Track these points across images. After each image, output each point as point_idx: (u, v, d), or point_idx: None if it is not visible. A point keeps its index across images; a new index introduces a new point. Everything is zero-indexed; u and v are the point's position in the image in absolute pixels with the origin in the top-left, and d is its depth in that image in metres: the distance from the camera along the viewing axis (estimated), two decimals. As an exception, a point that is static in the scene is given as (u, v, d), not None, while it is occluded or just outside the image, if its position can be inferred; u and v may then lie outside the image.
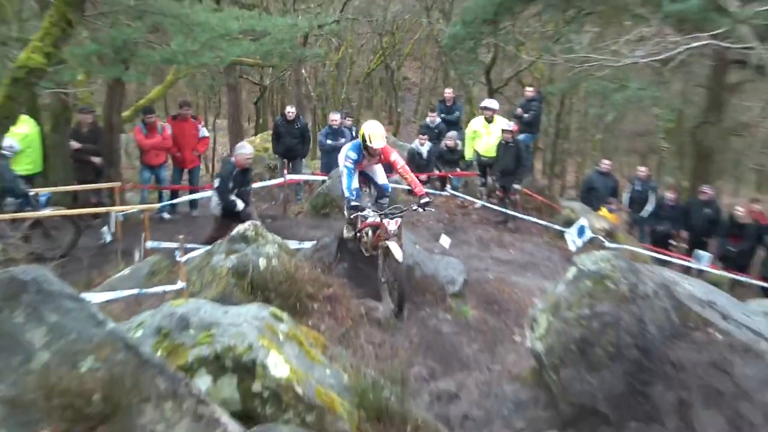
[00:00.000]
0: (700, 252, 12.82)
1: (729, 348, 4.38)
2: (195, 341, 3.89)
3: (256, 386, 3.68)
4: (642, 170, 15.92)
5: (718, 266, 13.29)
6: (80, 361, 2.95)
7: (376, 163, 8.44)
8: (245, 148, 10.35)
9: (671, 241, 14.18)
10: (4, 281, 3.26)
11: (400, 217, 7.57)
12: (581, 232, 10.38)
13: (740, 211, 13.94)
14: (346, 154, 8.03)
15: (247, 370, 3.71)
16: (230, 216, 9.59)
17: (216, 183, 9.95)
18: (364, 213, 7.92)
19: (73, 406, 2.68)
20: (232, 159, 10.13)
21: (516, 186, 13.20)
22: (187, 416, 2.70)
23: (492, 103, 14.77)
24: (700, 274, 11.90)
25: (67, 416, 2.66)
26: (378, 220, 7.61)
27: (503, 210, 13.01)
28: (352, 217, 8.28)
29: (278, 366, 3.77)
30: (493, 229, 12.76)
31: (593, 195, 14.94)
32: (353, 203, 7.79)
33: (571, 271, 4.85)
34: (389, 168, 8.57)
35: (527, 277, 9.84)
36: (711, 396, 4.23)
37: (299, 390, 3.70)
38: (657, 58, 12.38)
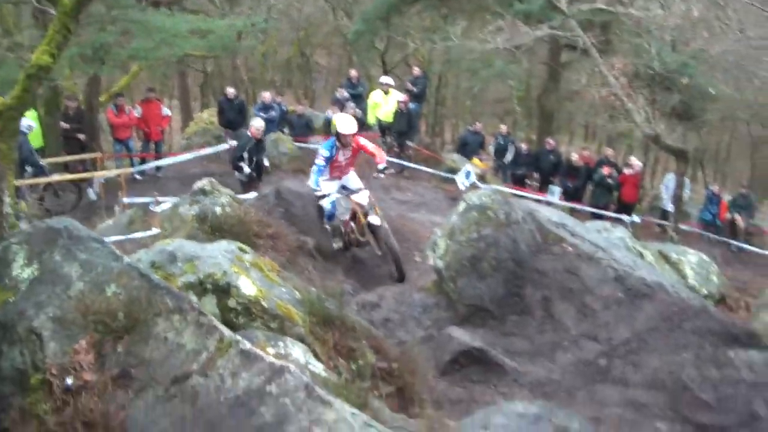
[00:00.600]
0: (554, 187, 17.16)
1: (577, 257, 6.09)
2: (182, 271, 4.59)
3: (232, 303, 4.46)
4: (503, 128, 20.66)
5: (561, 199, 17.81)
6: (106, 287, 3.58)
7: (350, 156, 8.67)
8: (256, 122, 12.42)
9: (527, 181, 18.50)
10: (43, 230, 3.99)
11: (365, 189, 8.51)
12: (468, 175, 12.40)
13: (575, 156, 19.10)
14: (319, 153, 8.44)
15: (223, 291, 4.49)
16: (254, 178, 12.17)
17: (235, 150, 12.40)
18: (329, 198, 8.31)
19: (103, 322, 3.25)
20: (248, 132, 12.21)
21: (409, 143, 17.36)
22: (192, 325, 3.16)
23: (388, 80, 19.17)
24: (548, 205, 15.10)
25: (99, 329, 3.23)
26: (350, 204, 8.29)
27: (400, 162, 16.27)
28: (330, 224, 8.58)
29: (247, 287, 4.58)
30: (394, 177, 15.28)
31: (467, 149, 18.94)
32: (318, 192, 8.25)
33: (461, 205, 6.27)
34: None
35: (421, 213, 12.28)
36: (565, 293, 5.88)
37: (264, 304, 4.51)
38: (512, 44, 16.03)
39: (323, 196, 8.35)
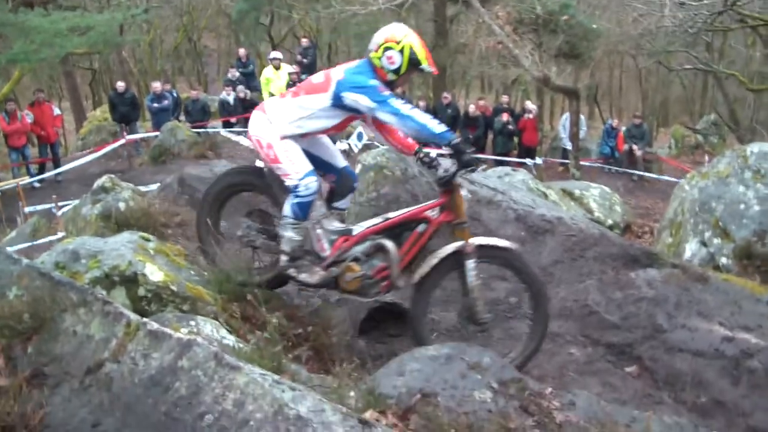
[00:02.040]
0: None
1: (477, 203, 6.33)
2: (87, 268, 4.60)
3: (141, 291, 4.50)
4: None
5: None
6: (7, 291, 3.54)
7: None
8: None
9: None
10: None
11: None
12: (360, 137, 12.48)
13: (472, 108, 19.77)
14: (369, 85, 4.58)
15: (131, 281, 4.52)
16: None
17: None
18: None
19: (8, 326, 3.19)
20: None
21: None
22: (98, 315, 3.11)
23: (278, 54, 19.40)
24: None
25: (5, 334, 3.17)
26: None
27: None
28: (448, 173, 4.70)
29: (154, 273, 4.62)
30: None
31: None
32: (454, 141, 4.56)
33: (358, 167, 6.38)
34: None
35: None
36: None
37: (174, 288, 4.54)
38: (395, 2, 16.20)
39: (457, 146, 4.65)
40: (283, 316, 4.26)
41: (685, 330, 5.25)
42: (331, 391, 3.15)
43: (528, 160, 18.75)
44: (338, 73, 4.73)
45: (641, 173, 18.66)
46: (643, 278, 5.78)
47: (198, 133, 16.92)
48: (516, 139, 19.74)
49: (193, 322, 3.94)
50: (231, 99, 18.84)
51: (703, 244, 8.43)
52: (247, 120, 18.83)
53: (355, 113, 4.79)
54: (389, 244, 4.69)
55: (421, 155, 4.95)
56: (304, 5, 26.74)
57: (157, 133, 16.71)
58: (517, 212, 6.35)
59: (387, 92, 4.58)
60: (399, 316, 5.05)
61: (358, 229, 4.85)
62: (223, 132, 17.30)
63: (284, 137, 4.80)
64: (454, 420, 3.11)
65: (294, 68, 18.32)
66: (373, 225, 4.82)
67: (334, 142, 5.49)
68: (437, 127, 4.51)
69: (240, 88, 18.88)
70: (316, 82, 4.83)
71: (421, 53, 4.69)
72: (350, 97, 4.58)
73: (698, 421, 4.11)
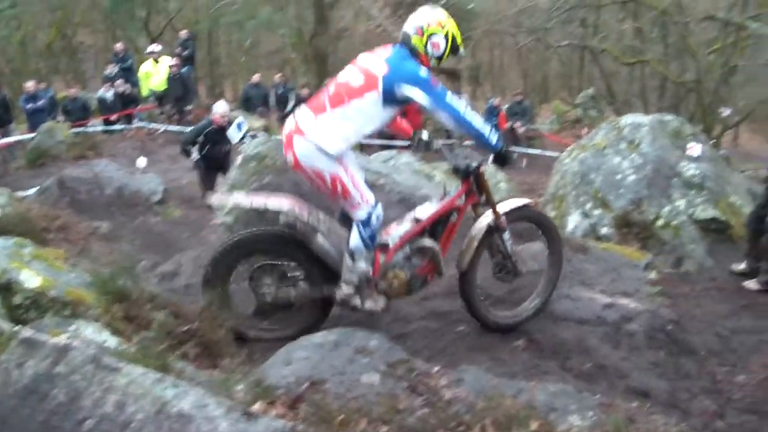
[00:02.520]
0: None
1: (362, 187, 6.34)
2: None
3: (17, 299, 4.32)
4: (277, 77, 21.27)
5: None
6: None
7: None
8: (220, 107, 10.76)
9: None
10: None
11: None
12: (240, 126, 12.30)
13: None
14: (421, 77, 4.40)
15: (6, 289, 4.35)
16: (212, 168, 10.49)
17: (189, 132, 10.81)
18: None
19: None
20: (210, 117, 10.63)
21: (188, 108, 17.62)
22: None
23: (156, 47, 19.36)
24: None
25: None
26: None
27: (184, 129, 15.91)
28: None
29: (30, 280, 4.46)
30: (178, 145, 15.22)
31: (250, 103, 19.69)
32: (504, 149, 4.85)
33: (239, 158, 6.30)
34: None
35: None
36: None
37: (52, 293, 4.39)
38: None
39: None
40: (170, 314, 4.20)
41: (569, 300, 5.45)
42: (218, 385, 3.12)
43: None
44: (379, 66, 4.45)
45: (525, 150, 19.18)
46: (528, 252, 5.95)
47: (77, 132, 16.48)
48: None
49: (73, 327, 3.81)
50: (110, 96, 18.33)
51: (585, 215, 8.74)
52: (128, 117, 18.24)
53: (405, 105, 4.55)
54: (430, 242, 4.79)
55: (419, 138, 4.96)
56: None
57: (33, 134, 16.00)
58: (400, 194, 6.43)
59: (440, 85, 4.46)
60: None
61: (393, 240, 4.78)
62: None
63: (341, 157, 4.48)
64: (343, 405, 3.13)
65: (174, 61, 17.94)
66: (406, 231, 4.80)
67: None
68: (492, 136, 4.57)
69: (119, 83, 18.40)
70: (355, 85, 4.45)
71: (459, 36, 4.65)
72: (404, 91, 4.37)
73: (583, 387, 4.26)
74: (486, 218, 4.90)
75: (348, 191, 4.49)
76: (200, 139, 10.65)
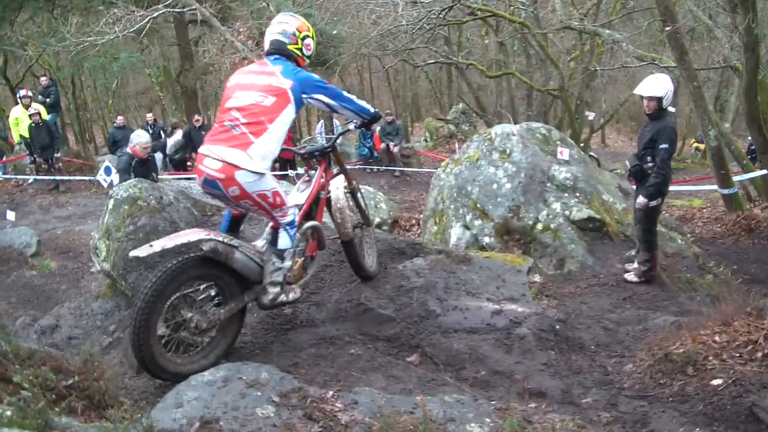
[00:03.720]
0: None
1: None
2: None
3: None
4: (149, 117, 21.37)
5: None
6: None
7: None
8: (141, 137, 9.78)
9: (188, 164, 18.47)
10: None
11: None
12: (108, 171, 11.83)
13: None
14: (317, 80, 5.03)
15: None
16: None
17: (116, 179, 9.78)
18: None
19: None
20: (128, 149, 9.60)
21: (56, 155, 17.12)
22: None
23: (27, 93, 18.20)
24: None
25: None
26: None
27: (53, 178, 16.43)
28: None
29: None
30: (50, 195, 15.46)
31: (119, 145, 17.99)
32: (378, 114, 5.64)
33: (110, 203, 6.10)
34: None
35: (89, 223, 11.95)
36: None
37: None
38: (130, 30, 15.55)
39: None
40: (50, 369, 4.00)
41: (457, 311, 5.51)
42: (107, 436, 2.99)
43: (290, 172, 18.92)
44: (280, 81, 4.76)
45: (402, 169, 19.45)
46: (411, 269, 6.02)
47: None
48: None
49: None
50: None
51: (466, 227, 8.91)
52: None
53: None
54: (312, 223, 5.37)
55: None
56: (38, 41, 25.27)
57: None
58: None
59: (329, 83, 5.10)
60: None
61: None
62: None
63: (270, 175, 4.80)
64: (238, 442, 3.06)
65: (34, 109, 17.19)
66: (299, 215, 5.17)
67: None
68: (371, 108, 5.35)
69: None
70: (266, 105, 4.70)
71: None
72: (311, 99, 4.92)
73: (479, 394, 4.32)
74: (339, 188, 5.61)
75: (283, 201, 4.87)
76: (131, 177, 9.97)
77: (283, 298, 5.00)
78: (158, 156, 11.74)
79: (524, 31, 21.03)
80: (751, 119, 13.27)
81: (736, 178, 14.50)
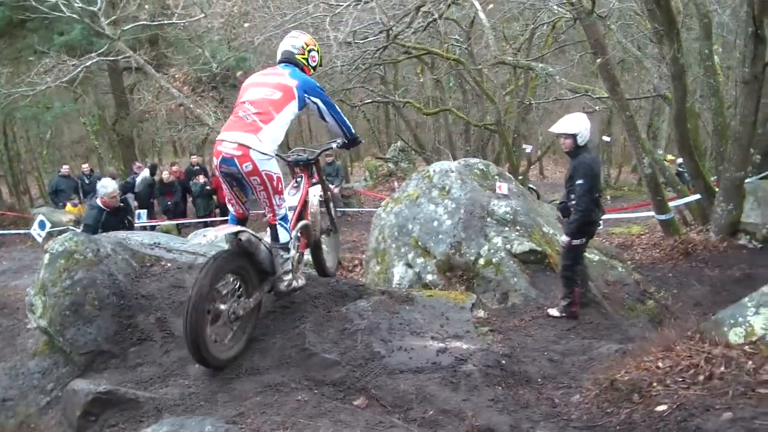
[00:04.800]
0: (140, 212, 16.87)
1: (178, 270, 6.22)
2: None
3: None
4: (84, 167, 21.26)
5: (164, 218, 18.86)
6: None
7: None
8: (107, 187, 9.27)
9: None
10: None
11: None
12: (42, 225, 11.61)
13: (165, 174, 19.35)
14: (317, 86, 5.91)
15: None
16: None
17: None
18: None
19: None
20: (97, 200, 9.17)
21: None
22: None
23: None
24: (153, 228, 16.77)
25: None
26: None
27: None
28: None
29: None
30: None
31: (60, 195, 18.98)
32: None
33: (46, 257, 5.97)
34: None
35: (24, 278, 11.66)
36: (177, 307, 5.99)
37: None
38: (63, 80, 15.33)
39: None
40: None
41: (402, 351, 5.52)
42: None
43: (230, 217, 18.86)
44: (289, 80, 5.66)
45: (343, 209, 19.47)
46: (354, 311, 6.01)
47: None
48: (215, 198, 19.79)
49: None
50: None
51: (409, 265, 8.95)
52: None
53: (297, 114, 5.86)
54: (306, 222, 6.35)
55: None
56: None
57: None
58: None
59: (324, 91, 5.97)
60: (118, 404, 4.83)
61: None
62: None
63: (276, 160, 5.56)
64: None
65: None
66: (292, 218, 6.06)
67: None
68: (352, 128, 6.28)
69: None
70: (275, 98, 5.56)
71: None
72: (311, 100, 5.77)
73: (429, 435, 4.32)
74: (315, 196, 6.52)
75: (283, 189, 5.68)
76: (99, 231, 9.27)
77: (295, 284, 5.92)
78: (130, 197, 11.56)
79: (459, 68, 21.39)
80: (683, 145, 13.67)
81: (671, 204, 14.87)
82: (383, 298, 6.35)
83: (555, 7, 16.29)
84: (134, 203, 18.18)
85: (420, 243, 9.04)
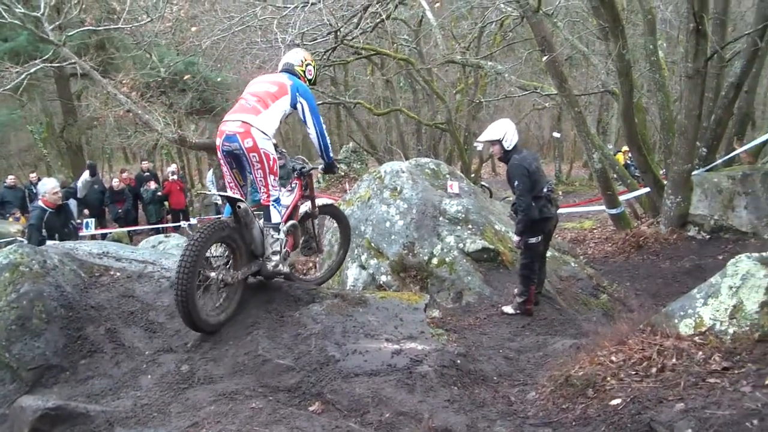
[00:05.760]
0: (87, 221, 16.86)
1: (128, 279, 6.12)
2: None
3: None
4: (32, 176, 20.94)
5: (115, 226, 18.67)
6: None
7: None
8: (47, 183, 9.29)
9: (80, 221, 16.53)
10: None
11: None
12: None
13: (116, 181, 19.40)
14: (309, 91, 6.52)
15: None
16: None
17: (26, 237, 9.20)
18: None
19: None
20: (39, 202, 9.12)
21: None
22: None
23: None
24: (104, 237, 16.85)
25: None
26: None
27: None
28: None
29: None
30: None
31: (6, 207, 18.64)
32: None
33: (-12, 270, 5.79)
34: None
35: None
36: (127, 317, 5.89)
37: None
38: (7, 87, 14.84)
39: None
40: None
41: (356, 354, 5.49)
42: None
43: (183, 223, 18.68)
44: (286, 80, 6.30)
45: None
46: (307, 315, 5.97)
47: None
48: (167, 204, 19.60)
49: None
50: None
51: (362, 266, 8.94)
52: None
53: (288, 114, 6.35)
54: (295, 222, 6.63)
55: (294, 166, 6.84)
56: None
57: None
58: (170, 280, 6.22)
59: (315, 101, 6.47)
60: (68, 419, 4.74)
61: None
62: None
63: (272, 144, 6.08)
64: None
65: None
66: (284, 215, 6.35)
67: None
68: (331, 150, 6.74)
69: None
70: (272, 91, 6.20)
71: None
72: (300, 100, 6.26)
73: (385, 438, 4.29)
74: (304, 207, 6.87)
75: (276, 171, 6.10)
76: (45, 232, 9.26)
77: (281, 268, 6.26)
78: (72, 203, 11.35)
79: (409, 68, 21.42)
80: (631, 140, 13.86)
81: (622, 198, 15.07)
82: (336, 301, 6.31)
83: (502, 5, 16.40)
84: (84, 210, 17.93)
85: (373, 244, 9.03)
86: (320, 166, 6.87)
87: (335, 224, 8.08)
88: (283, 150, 6.75)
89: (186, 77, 19.21)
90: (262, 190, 6.12)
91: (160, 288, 6.17)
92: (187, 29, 17.91)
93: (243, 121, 5.94)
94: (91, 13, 18.65)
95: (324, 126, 6.54)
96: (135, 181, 20.01)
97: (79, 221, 17.15)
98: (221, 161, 6.25)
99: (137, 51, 20.42)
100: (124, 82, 18.82)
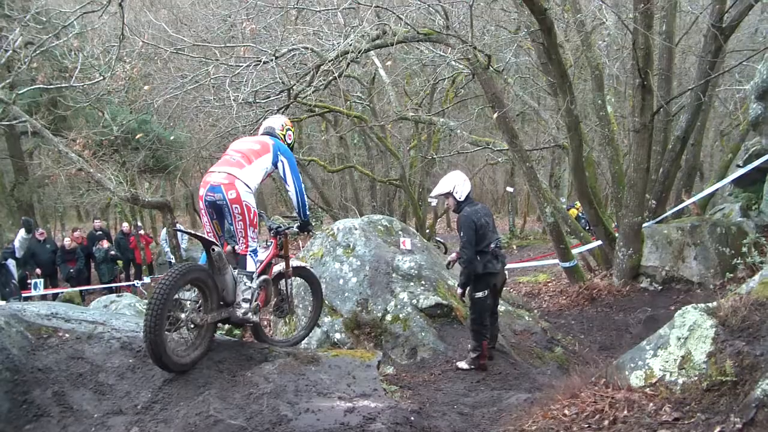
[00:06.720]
0: (36, 281, 16.42)
1: (77, 340, 6.05)
2: None
3: None
4: None
5: (67, 286, 18.40)
6: None
7: None
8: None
9: (28, 281, 16.75)
10: None
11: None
12: None
13: (67, 240, 19.41)
14: (290, 152, 6.95)
15: None
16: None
17: None
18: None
19: None
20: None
21: None
22: None
23: None
24: (56, 297, 16.86)
25: None
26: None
27: None
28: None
29: None
30: None
31: None
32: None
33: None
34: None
35: None
36: (76, 380, 5.80)
37: None
38: None
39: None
40: None
41: (309, 413, 5.47)
42: None
43: (136, 282, 18.55)
44: (268, 140, 6.71)
45: (251, 270, 19.35)
46: (259, 374, 5.96)
47: None
48: (121, 263, 19.47)
49: None
50: None
51: (317, 324, 8.92)
52: None
53: (269, 174, 6.68)
54: (267, 278, 6.83)
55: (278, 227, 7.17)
56: None
57: None
58: (120, 340, 6.18)
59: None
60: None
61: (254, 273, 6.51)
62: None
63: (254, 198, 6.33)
64: None
65: None
66: (258, 268, 6.59)
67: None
68: (307, 209, 6.99)
69: None
70: (255, 148, 6.57)
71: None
72: (282, 159, 6.64)
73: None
74: (278, 267, 7.17)
75: (255, 224, 6.37)
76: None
77: (250, 316, 6.39)
78: (11, 263, 11.23)
79: (362, 124, 21.65)
80: (582, 193, 14.10)
81: (575, 251, 15.28)
82: (289, 359, 6.32)
83: (453, 62, 16.72)
84: (36, 270, 17.66)
85: (327, 302, 9.04)
86: (295, 225, 7.12)
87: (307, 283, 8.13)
88: (262, 212, 7.00)
89: (139, 135, 19.21)
90: (240, 241, 6.37)
91: (110, 349, 6.09)
92: (140, 87, 17.95)
93: (228, 173, 6.23)
94: (43, 71, 18.60)
95: (303, 185, 6.87)
96: (87, 240, 19.85)
97: (28, 281, 16.97)
98: (202, 211, 6.46)
99: (89, 109, 20.42)
100: (76, 140, 18.75)
